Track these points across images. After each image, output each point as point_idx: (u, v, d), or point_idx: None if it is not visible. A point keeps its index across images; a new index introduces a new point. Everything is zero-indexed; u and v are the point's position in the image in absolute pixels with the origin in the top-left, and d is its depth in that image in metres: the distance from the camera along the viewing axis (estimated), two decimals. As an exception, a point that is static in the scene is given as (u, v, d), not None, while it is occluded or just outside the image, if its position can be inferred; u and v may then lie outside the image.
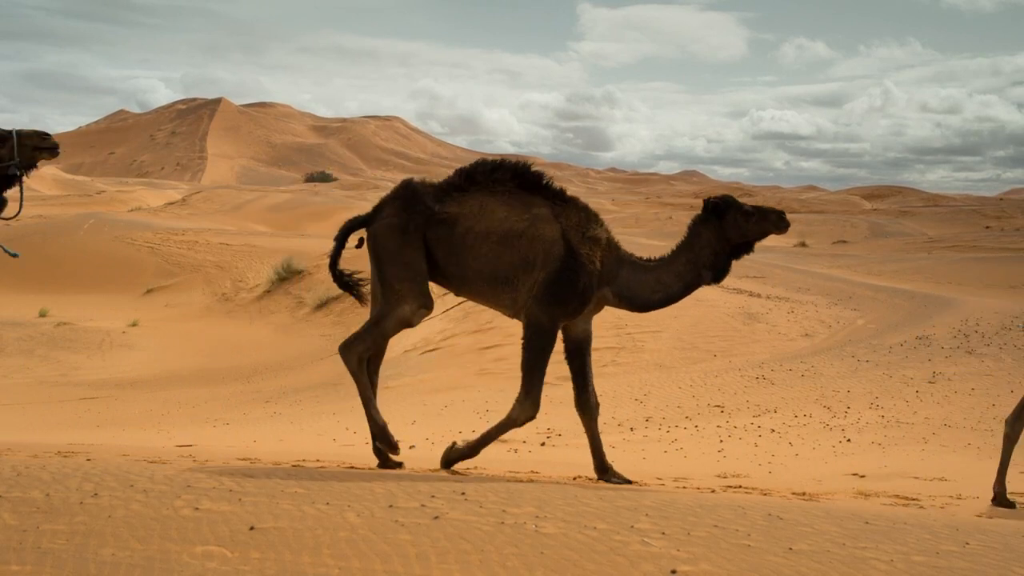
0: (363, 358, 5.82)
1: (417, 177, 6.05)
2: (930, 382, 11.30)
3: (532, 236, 5.59)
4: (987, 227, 48.21)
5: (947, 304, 17.92)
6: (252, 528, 3.56)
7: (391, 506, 3.96)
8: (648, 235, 41.94)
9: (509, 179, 5.75)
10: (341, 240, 5.92)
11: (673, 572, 3.18)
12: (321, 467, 5.72)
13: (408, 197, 5.74)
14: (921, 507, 5.85)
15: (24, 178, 5.22)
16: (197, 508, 3.83)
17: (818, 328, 16.64)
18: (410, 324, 5.80)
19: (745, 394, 11.73)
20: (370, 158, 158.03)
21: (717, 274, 5.84)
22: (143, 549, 3.33)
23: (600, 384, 13.46)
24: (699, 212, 5.88)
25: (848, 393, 11.23)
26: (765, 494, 5.94)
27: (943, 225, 52.56)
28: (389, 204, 5.80)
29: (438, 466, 5.95)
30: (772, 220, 5.76)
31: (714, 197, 5.88)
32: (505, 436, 10.02)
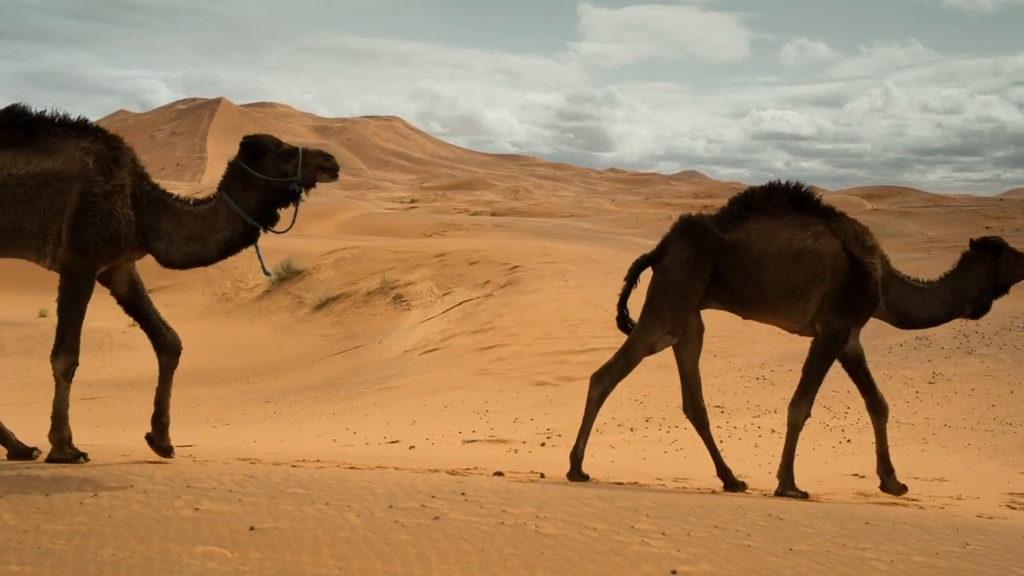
0: (608, 391, 6.11)
1: (693, 212, 6.43)
2: (930, 382, 11.29)
3: (819, 252, 5.97)
4: (987, 228, 48.18)
5: (947, 304, 17.88)
6: (252, 528, 3.56)
7: (391, 506, 3.96)
8: (648, 235, 41.94)
9: (785, 202, 6.13)
10: (632, 280, 6.24)
11: (673, 572, 3.17)
12: (321, 467, 5.72)
13: (695, 232, 6.06)
14: (921, 507, 5.85)
15: (303, 196, 5.30)
16: (197, 508, 3.83)
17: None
18: (653, 351, 6.12)
19: (745, 394, 11.73)
20: (370, 158, 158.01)
21: (977, 310, 6.26)
22: (143, 549, 3.32)
23: (600, 384, 13.49)
24: (970, 248, 6.31)
25: (848, 393, 11.21)
26: (765, 494, 5.94)
27: (943, 225, 52.52)
28: (676, 240, 6.10)
29: (438, 466, 5.94)
30: None
31: (990, 237, 6.31)
32: (505, 436, 10.05)
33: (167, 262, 5.32)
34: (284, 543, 3.40)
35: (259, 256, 5.46)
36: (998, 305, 6.73)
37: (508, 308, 18.60)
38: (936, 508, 5.84)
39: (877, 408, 6.17)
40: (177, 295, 28.50)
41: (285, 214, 5.32)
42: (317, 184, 5.31)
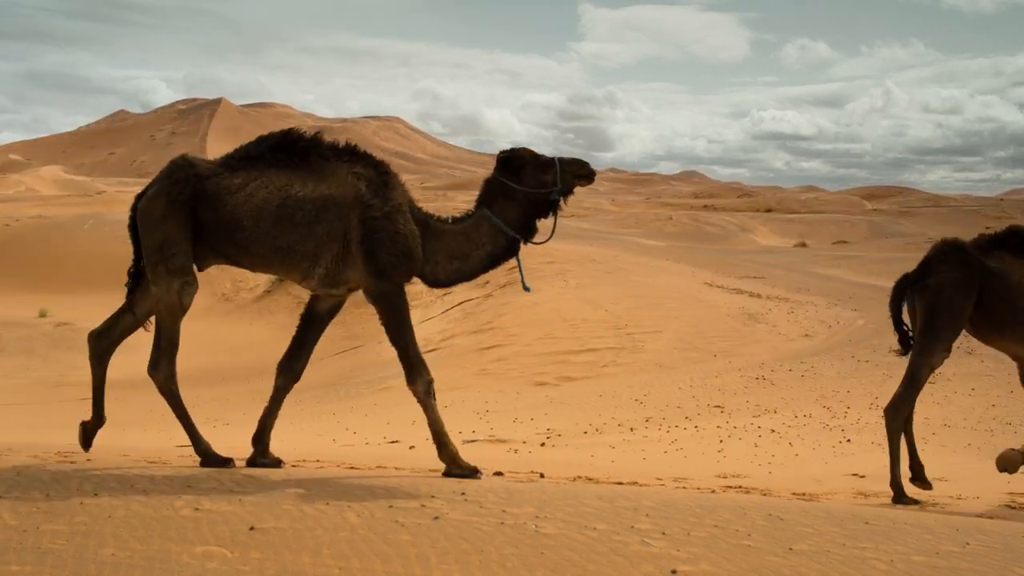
0: (908, 417, 6.30)
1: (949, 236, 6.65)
2: (930, 382, 11.28)
3: None
4: (987, 227, 48.14)
5: (947, 304, 17.86)
6: (252, 528, 3.56)
7: (391, 506, 3.96)
8: (648, 235, 41.94)
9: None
10: (899, 298, 6.39)
11: (673, 572, 3.17)
12: (321, 467, 5.72)
13: (963, 254, 6.22)
14: (921, 507, 5.85)
15: (561, 205, 5.33)
16: (197, 508, 3.83)
17: (818, 328, 16.64)
18: (934, 369, 6.34)
19: (745, 394, 11.73)
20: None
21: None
22: (143, 549, 3.32)
23: (600, 384, 13.52)
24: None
25: (848, 393, 11.23)
26: (765, 494, 5.94)
27: (943, 225, 52.50)
28: (942, 260, 6.24)
29: (438, 466, 5.94)
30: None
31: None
32: (505, 436, 10.04)
33: (433, 282, 5.35)
34: (284, 543, 3.40)
35: (520, 270, 5.45)
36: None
37: (508, 308, 18.61)
38: (936, 508, 5.84)
39: None
40: (177, 295, 28.50)
41: (542, 224, 5.35)
42: (573, 191, 5.34)
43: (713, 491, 5.94)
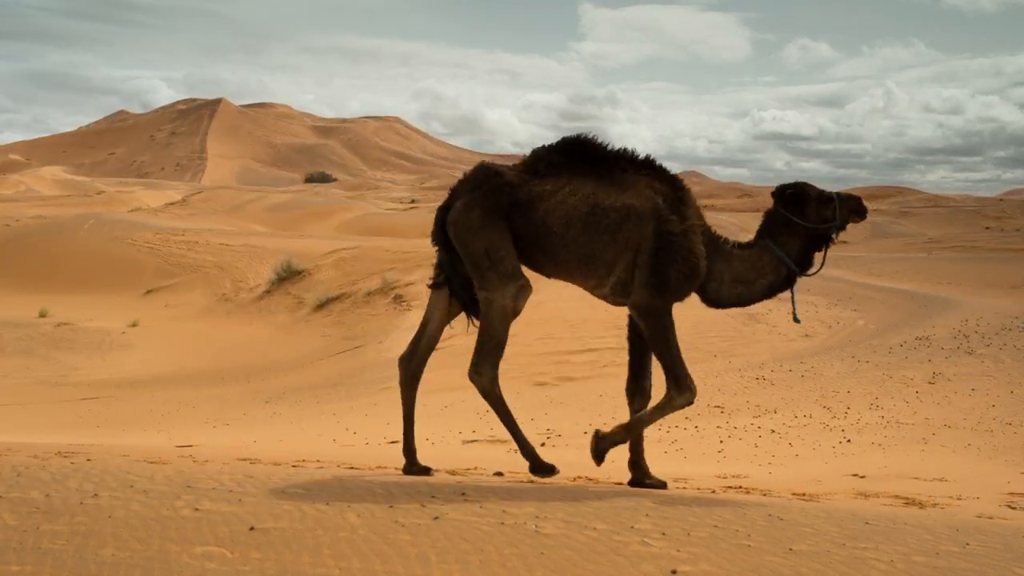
0: None
1: None
2: (930, 382, 11.29)
3: None
4: (987, 227, 48.19)
5: (947, 304, 17.92)
6: (252, 528, 3.56)
7: (391, 506, 3.96)
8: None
9: None
10: None
11: (673, 572, 3.17)
12: (321, 467, 5.72)
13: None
14: (921, 507, 5.85)
15: (834, 239, 5.49)
16: (197, 508, 3.83)
17: (818, 328, 16.64)
18: None
19: (745, 394, 11.73)
20: (370, 158, 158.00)
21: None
22: (143, 549, 3.32)
23: (600, 384, 13.51)
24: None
25: (848, 393, 11.22)
26: (765, 494, 5.94)
27: (943, 225, 52.54)
28: None
29: (438, 466, 5.95)
30: None
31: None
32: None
33: (715, 301, 5.43)
34: (284, 543, 3.40)
35: (793, 302, 5.56)
36: (998, 305, 6.73)
37: (508, 308, 18.57)
38: (936, 508, 5.84)
39: None
40: (177, 295, 28.51)
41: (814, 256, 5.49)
42: (846, 227, 5.52)
43: (713, 491, 5.94)
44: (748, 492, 6.05)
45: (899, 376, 11.71)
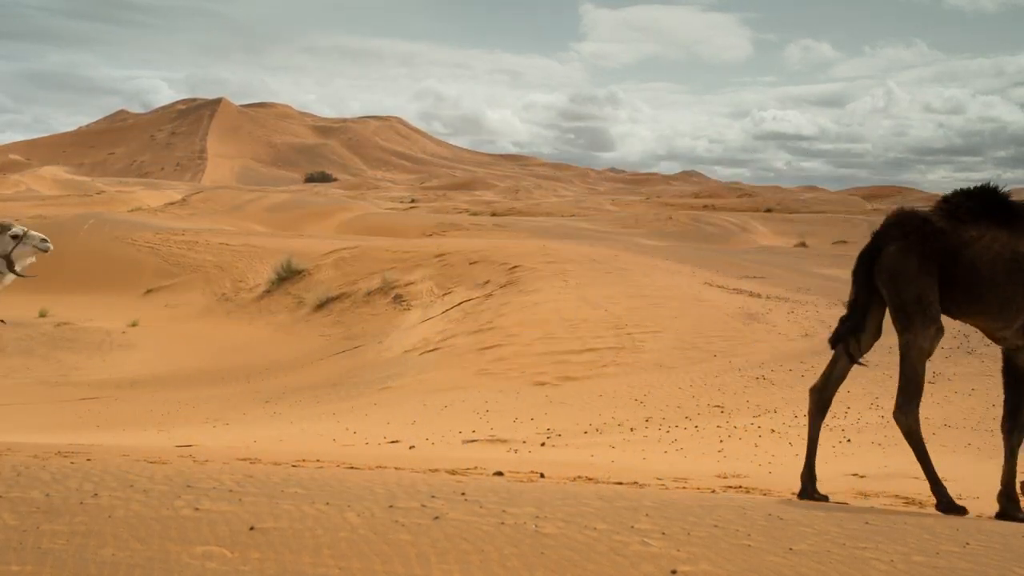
0: None
1: None
2: (930, 382, 11.29)
3: None
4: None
5: (947, 304, 17.87)
6: (252, 528, 3.56)
7: (391, 506, 3.96)
8: (648, 235, 41.93)
9: None
10: None
11: (673, 572, 3.18)
12: (321, 467, 5.72)
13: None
14: (921, 507, 5.85)
15: None
16: (197, 508, 3.83)
17: (818, 328, 16.62)
18: None
19: (745, 394, 11.74)
20: (370, 158, 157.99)
21: None
22: (143, 549, 3.32)
23: (600, 384, 13.52)
24: None
25: (848, 393, 11.21)
26: (765, 494, 5.94)
27: (943, 225, 52.42)
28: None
29: (438, 466, 5.95)
30: None
31: None
32: (505, 436, 10.05)
33: None
34: (284, 543, 3.40)
35: None
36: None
37: (508, 308, 18.61)
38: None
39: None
40: (177, 295, 28.51)
41: None
42: None
43: (713, 491, 5.94)
44: (748, 492, 6.05)
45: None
